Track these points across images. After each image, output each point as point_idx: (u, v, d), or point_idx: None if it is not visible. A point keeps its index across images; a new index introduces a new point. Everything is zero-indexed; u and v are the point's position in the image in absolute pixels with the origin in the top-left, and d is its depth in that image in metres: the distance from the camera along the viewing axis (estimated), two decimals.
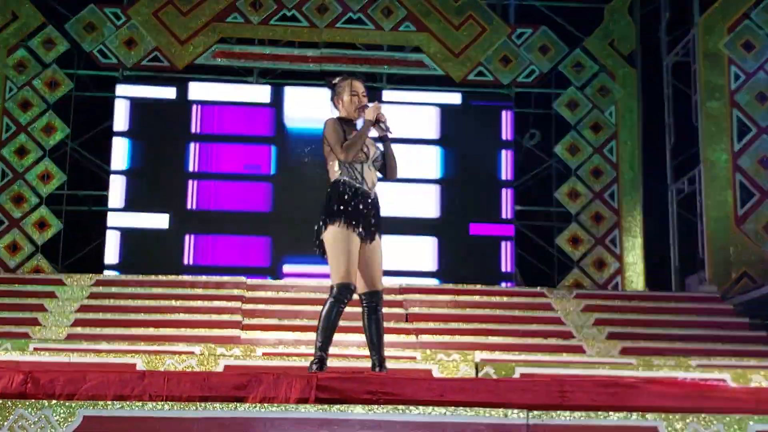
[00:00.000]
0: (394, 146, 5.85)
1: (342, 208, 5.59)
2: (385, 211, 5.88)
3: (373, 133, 5.77)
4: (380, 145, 5.82)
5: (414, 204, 14.80)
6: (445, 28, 15.37)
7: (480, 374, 7.97)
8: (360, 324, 8.82)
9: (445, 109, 15.32)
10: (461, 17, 15.41)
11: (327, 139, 5.67)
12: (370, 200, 5.68)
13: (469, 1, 15.46)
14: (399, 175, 5.92)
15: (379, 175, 5.88)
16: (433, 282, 14.38)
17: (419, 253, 14.77)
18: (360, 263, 5.67)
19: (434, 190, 15.05)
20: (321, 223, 5.65)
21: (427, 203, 14.99)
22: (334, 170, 5.72)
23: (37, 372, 4.66)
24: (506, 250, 14.98)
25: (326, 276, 12.08)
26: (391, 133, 5.77)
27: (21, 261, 14.28)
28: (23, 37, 14.89)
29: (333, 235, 5.58)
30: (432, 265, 14.82)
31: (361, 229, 5.60)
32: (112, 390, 4.56)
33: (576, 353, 10.12)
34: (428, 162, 15.07)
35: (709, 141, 14.27)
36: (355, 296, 5.69)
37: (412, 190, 14.73)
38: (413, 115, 15.12)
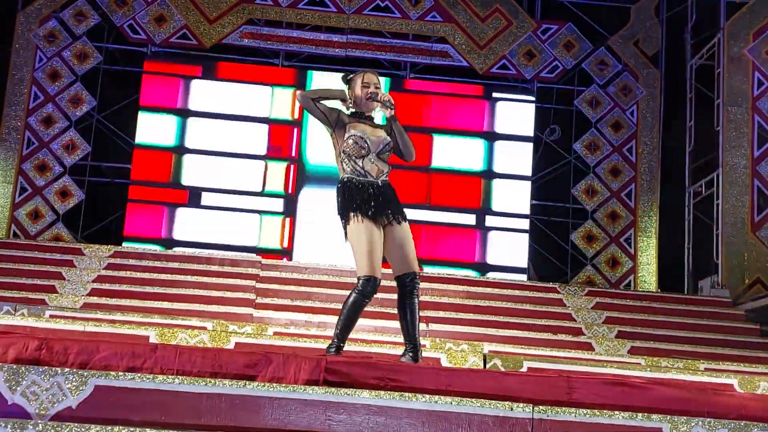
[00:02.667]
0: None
1: (350, 203, 5.62)
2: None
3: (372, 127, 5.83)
4: (387, 137, 5.78)
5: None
6: (470, 20, 15.40)
7: (488, 366, 7.99)
8: (372, 309, 8.86)
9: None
10: (487, 10, 15.44)
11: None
12: (377, 188, 5.67)
13: None
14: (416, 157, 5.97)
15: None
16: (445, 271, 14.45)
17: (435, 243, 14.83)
18: (390, 249, 5.68)
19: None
20: (342, 224, 5.70)
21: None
22: (340, 168, 5.77)
23: (51, 339, 4.71)
24: (521, 244, 15.01)
25: (340, 259, 12.15)
26: (393, 107, 5.74)
27: (42, 228, 14.45)
28: (55, 9, 15.04)
29: (352, 230, 5.60)
30: (446, 254, 14.87)
31: (377, 217, 5.62)
32: (124, 361, 4.61)
33: (584, 350, 10.12)
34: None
35: (728, 145, 14.25)
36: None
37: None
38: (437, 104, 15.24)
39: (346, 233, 5.68)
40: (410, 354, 5.60)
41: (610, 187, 15.17)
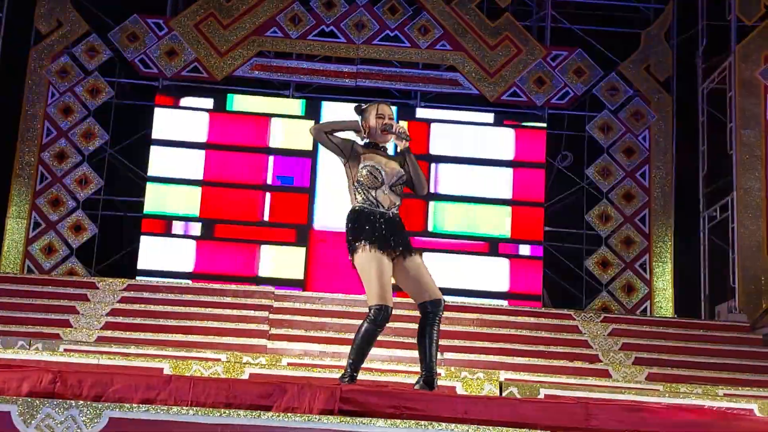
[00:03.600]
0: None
1: (360, 232, 5.62)
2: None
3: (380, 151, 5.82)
4: (401, 169, 5.80)
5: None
6: (480, 48, 15.44)
7: (504, 394, 7.94)
8: (387, 338, 8.80)
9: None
10: (497, 38, 15.49)
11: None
12: (387, 219, 5.68)
13: (505, 22, 15.57)
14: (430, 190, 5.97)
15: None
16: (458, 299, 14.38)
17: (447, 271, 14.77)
18: (406, 281, 5.68)
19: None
20: (349, 251, 5.69)
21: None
22: (353, 197, 5.78)
23: (65, 372, 4.72)
24: (535, 270, 14.95)
25: (354, 289, 12.12)
26: (408, 139, 5.76)
27: (56, 263, 14.48)
28: (67, 45, 15.15)
29: (361, 259, 5.60)
30: (459, 283, 14.80)
31: (386, 248, 5.61)
32: (138, 393, 4.61)
33: (601, 377, 10.06)
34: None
35: (742, 169, 14.21)
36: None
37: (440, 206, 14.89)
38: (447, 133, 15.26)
39: (353, 260, 5.67)
40: (424, 382, 5.56)
41: (624, 212, 15.12)
